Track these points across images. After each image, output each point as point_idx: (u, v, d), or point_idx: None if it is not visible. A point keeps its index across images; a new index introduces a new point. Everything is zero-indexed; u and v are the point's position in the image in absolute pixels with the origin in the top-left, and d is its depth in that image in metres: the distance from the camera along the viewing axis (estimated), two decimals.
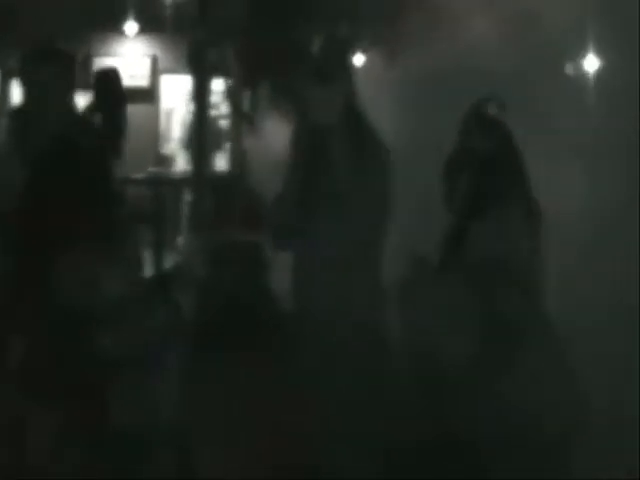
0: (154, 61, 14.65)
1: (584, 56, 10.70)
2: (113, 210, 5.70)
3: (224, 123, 14.41)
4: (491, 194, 3.74)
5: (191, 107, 12.57)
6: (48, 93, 6.06)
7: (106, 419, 2.40)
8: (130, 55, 14.55)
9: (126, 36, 14.24)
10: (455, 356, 3.52)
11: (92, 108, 10.81)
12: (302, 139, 5.11)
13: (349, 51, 13.73)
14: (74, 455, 2.37)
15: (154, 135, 14.57)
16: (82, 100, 13.34)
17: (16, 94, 10.71)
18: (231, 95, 13.52)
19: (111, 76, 11.16)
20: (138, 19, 13.87)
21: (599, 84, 10.42)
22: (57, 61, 6.17)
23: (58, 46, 7.50)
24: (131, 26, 13.97)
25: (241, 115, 13.63)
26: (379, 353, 5.03)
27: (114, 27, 13.94)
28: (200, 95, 11.63)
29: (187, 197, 12.66)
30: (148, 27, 14.07)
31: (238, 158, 14.32)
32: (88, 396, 2.41)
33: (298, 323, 5.22)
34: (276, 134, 12.80)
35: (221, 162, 14.26)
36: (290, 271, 5.47)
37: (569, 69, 10.90)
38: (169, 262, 10.67)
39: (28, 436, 2.36)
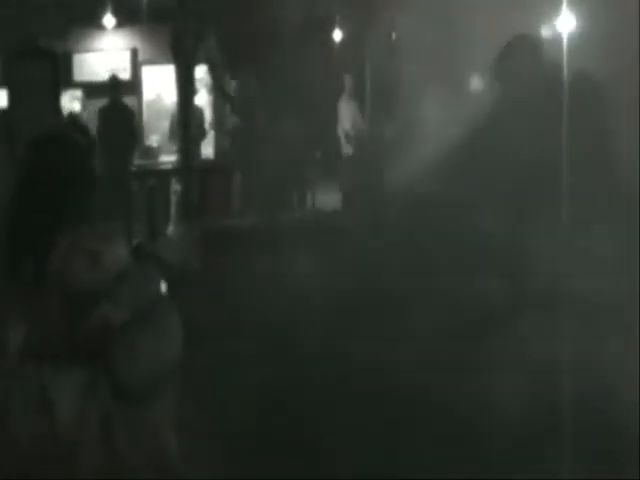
0: (134, 53, 14.69)
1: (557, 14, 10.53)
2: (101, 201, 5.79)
3: (208, 111, 14.46)
4: None
5: (174, 97, 12.64)
6: (33, 92, 6.13)
7: (115, 377, 2.60)
8: (110, 49, 14.58)
9: (105, 30, 14.26)
10: None
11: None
12: None
13: None
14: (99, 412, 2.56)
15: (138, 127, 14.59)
16: (66, 97, 13.48)
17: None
18: (215, 82, 13.60)
19: None
20: (116, 12, 13.90)
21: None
22: (41, 60, 6.24)
23: (40, 45, 7.60)
24: (109, 20, 14.00)
25: (226, 101, 13.71)
26: None
27: (92, 21, 13.96)
28: (184, 84, 11.69)
29: (175, 187, 12.73)
30: (127, 20, 14.11)
31: (223, 145, 14.40)
32: (98, 358, 2.60)
33: None
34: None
35: (207, 150, 14.33)
36: None
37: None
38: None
39: (53, 405, 2.54)
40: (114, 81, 12.66)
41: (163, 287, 2.79)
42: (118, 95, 12.59)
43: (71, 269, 2.66)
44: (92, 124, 12.02)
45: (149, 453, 2.66)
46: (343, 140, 14.23)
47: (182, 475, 2.73)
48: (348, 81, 14.38)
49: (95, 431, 2.56)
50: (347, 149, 14.17)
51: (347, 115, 14.33)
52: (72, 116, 11.87)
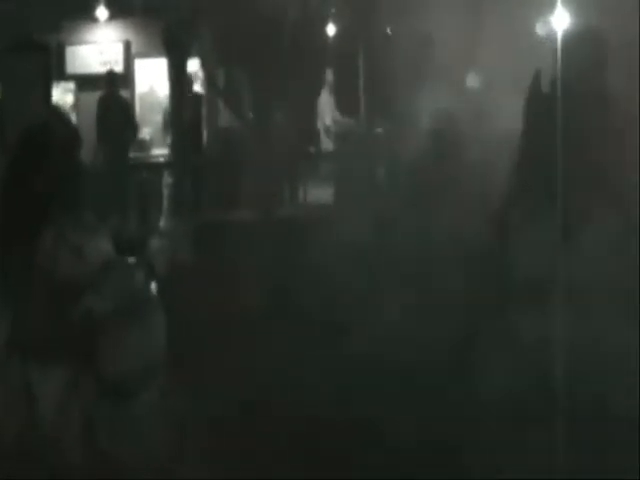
0: (127, 46, 14.65)
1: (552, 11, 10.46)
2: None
3: (200, 104, 14.41)
4: None
5: (167, 90, 12.60)
6: (25, 85, 6.11)
7: (99, 372, 2.58)
8: (103, 41, 14.54)
9: (98, 22, 14.23)
10: None
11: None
12: None
13: None
14: (82, 411, 2.54)
15: None
16: (58, 89, 13.43)
17: None
18: (207, 75, 13.55)
19: None
20: (109, 5, 13.88)
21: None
22: (33, 53, 6.22)
23: (33, 38, 7.58)
24: (102, 12, 13.98)
25: (219, 96, 13.67)
26: None
27: (85, 14, 13.93)
28: (176, 78, 11.66)
29: (167, 180, 12.72)
30: (119, 12, 14.08)
31: (216, 138, 14.36)
32: (82, 354, 2.59)
33: None
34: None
35: (199, 143, 14.27)
36: None
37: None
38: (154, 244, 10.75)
39: (36, 402, 2.53)
40: (112, 75, 12.67)
41: (151, 283, 2.78)
42: (115, 88, 12.60)
43: (56, 263, 2.66)
44: (86, 116, 12.00)
45: (133, 451, 2.65)
46: (323, 134, 14.29)
47: (180, 475, 2.72)
48: (329, 75, 14.41)
49: (78, 428, 2.55)
50: (327, 144, 14.23)
51: (327, 110, 14.38)
52: (55, 108, 11.82)
